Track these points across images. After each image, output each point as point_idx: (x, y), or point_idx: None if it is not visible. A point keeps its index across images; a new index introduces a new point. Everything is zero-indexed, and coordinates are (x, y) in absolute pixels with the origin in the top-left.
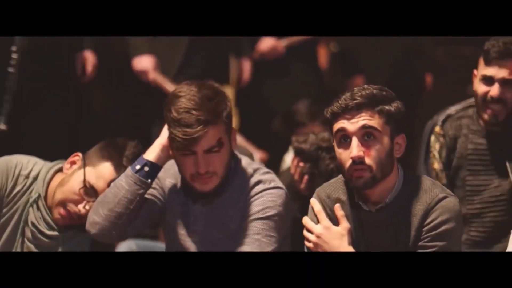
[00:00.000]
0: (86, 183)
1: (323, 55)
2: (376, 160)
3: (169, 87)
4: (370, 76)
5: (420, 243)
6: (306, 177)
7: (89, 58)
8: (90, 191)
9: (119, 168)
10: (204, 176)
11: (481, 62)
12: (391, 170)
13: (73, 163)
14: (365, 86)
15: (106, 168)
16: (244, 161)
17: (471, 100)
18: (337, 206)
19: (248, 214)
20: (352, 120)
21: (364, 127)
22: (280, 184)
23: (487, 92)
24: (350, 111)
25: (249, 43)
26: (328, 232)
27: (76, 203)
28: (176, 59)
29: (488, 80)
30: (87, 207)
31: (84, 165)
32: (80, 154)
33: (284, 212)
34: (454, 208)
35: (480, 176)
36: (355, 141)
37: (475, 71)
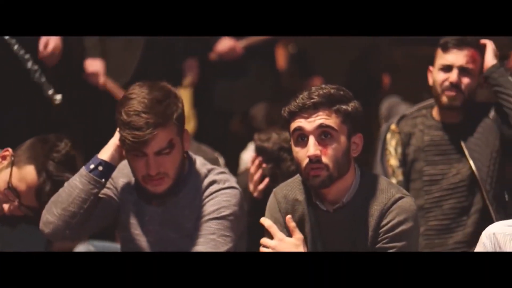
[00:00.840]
0: (9, 184)
1: (281, 56)
2: (332, 159)
3: (118, 92)
4: (327, 77)
5: (378, 245)
6: (267, 179)
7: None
8: (12, 193)
9: (42, 173)
10: (155, 178)
11: (439, 53)
12: (348, 169)
13: (3, 158)
14: (323, 85)
15: (28, 172)
16: (199, 161)
17: (425, 103)
18: (288, 218)
19: (203, 214)
20: (309, 119)
21: (321, 126)
22: (235, 184)
23: (445, 79)
24: (307, 110)
25: (201, 44)
26: (283, 244)
27: (1, 201)
28: (131, 62)
29: (447, 68)
30: (11, 207)
31: (12, 163)
32: (10, 149)
33: (239, 211)
34: (410, 208)
35: (437, 165)
36: (312, 140)
37: (430, 67)
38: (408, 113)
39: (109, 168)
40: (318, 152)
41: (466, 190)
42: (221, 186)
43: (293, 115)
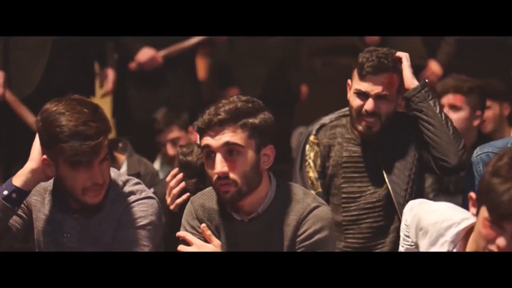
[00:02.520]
0: None
1: (201, 66)
2: (240, 174)
3: (18, 106)
4: (245, 87)
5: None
6: (187, 194)
7: None
8: None
9: None
10: (96, 187)
11: (355, 76)
12: (259, 182)
13: None
14: (232, 98)
15: None
16: (113, 173)
17: (345, 110)
18: (203, 227)
19: (121, 225)
20: (216, 137)
21: (226, 143)
22: (151, 194)
23: (361, 106)
24: (213, 128)
25: (112, 52)
26: (202, 249)
27: None
28: (38, 70)
29: (363, 95)
30: None
31: None
32: None
33: (157, 221)
34: (326, 217)
35: (355, 183)
36: (218, 157)
37: (349, 81)
38: (328, 121)
39: (22, 195)
40: (224, 169)
41: (383, 209)
42: (138, 196)
43: (202, 132)
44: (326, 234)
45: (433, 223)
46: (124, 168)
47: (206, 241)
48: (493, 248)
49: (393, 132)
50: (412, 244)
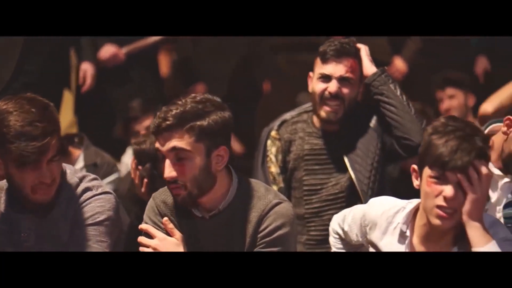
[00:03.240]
0: None
1: (164, 63)
2: (189, 178)
3: None
4: (210, 84)
5: (255, 249)
6: (145, 180)
7: None
8: None
9: None
10: (44, 186)
11: (318, 62)
12: (212, 183)
13: None
14: (185, 99)
15: None
16: (69, 171)
17: (305, 106)
18: (165, 220)
19: (78, 222)
20: (164, 142)
21: (173, 149)
22: (108, 189)
23: (325, 89)
24: (162, 133)
25: (90, 47)
26: (165, 243)
27: None
28: (9, 65)
29: (326, 78)
30: None
31: None
32: None
33: (114, 216)
34: (287, 213)
35: (317, 175)
36: (167, 162)
37: (310, 73)
38: (289, 117)
39: None
40: (172, 174)
41: (346, 201)
42: (94, 192)
43: (154, 135)
44: (287, 231)
45: (380, 214)
46: (81, 160)
47: (168, 235)
48: (441, 202)
49: (354, 121)
50: (357, 242)
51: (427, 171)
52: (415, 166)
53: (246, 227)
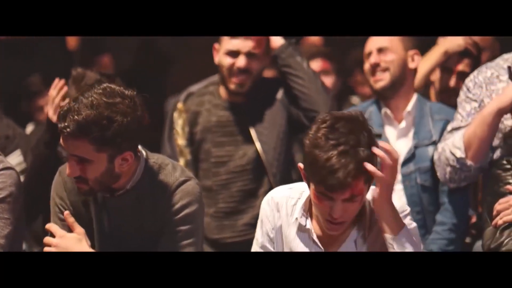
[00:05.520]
0: None
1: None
2: (91, 178)
3: None
4: (117, 55)
5: (165, 229)
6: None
7: None
8: None
9: None
10: None
11: (225, 38)
12: (117, 179)
13: None
14: (87, 96)
15: None
16: None
17: (212, 79)
18: (67, 214)
19: None
20: (66, 145)
21: (74, 154)
22: (9, 164)
23: (233, 64)
24: (64, 137)
25: None
26: (65, 240)
27: None
28: None
29: (234, 54)
30: None
31: None
32: None
33: (16, 191)
34: (194, 191)
35: (224, 147)
36: (69, 161)
37: (215, 45)
38: (195, 90)
39: None
40: (75, 174)
41: (253, 172)
42: None
43: (59, 132)
44: (195, 209)
45: (278, 213)
46: None
47: (70, 230)
48: (330, 218)
49: (261, 93)
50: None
51: (312, 185)
52: (301, 165)
53: (155, 205)
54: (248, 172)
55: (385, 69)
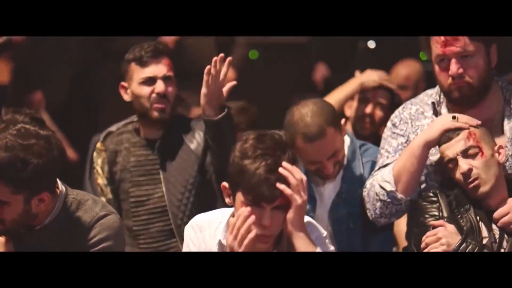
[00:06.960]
0: None
1: (3, 70)
2: (8, 218)
3: None
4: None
5: None
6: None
7: None
8: None
9: None
10: None
11: (134, 68)
12: (35, 218)
13: None
14: (10, 136)
15: None
16: None
17: (132, 117)
18: None
19: None
20: None
21: None
22: None
23: (151, 92)
24: None
25: None
26: None
27: None
28: None
29: (150, 80)
30: None
31: None
32: None
33: None
34: (113, 225)
35: (142, 186)
36: None
37: (122, 83)
38: (114, 129)
39: None
40: None
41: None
42: None
43: None
44: (111, 244)
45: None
46: None
47: None
48: (259, 231)
49: (176, 137)
50: None
51: (240, 196)
52: (226, 184)
53: (73, 239)
54: (168, 213)
55: None
